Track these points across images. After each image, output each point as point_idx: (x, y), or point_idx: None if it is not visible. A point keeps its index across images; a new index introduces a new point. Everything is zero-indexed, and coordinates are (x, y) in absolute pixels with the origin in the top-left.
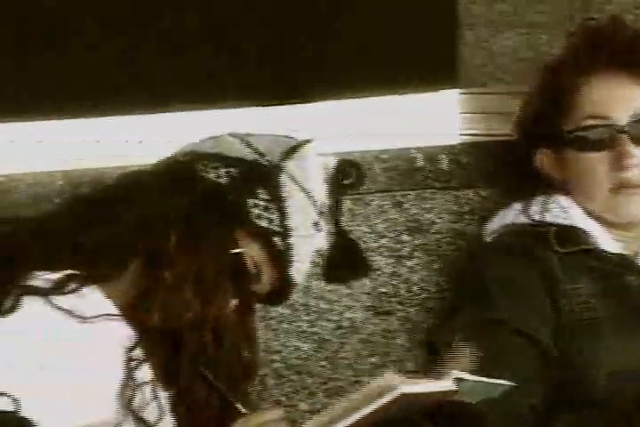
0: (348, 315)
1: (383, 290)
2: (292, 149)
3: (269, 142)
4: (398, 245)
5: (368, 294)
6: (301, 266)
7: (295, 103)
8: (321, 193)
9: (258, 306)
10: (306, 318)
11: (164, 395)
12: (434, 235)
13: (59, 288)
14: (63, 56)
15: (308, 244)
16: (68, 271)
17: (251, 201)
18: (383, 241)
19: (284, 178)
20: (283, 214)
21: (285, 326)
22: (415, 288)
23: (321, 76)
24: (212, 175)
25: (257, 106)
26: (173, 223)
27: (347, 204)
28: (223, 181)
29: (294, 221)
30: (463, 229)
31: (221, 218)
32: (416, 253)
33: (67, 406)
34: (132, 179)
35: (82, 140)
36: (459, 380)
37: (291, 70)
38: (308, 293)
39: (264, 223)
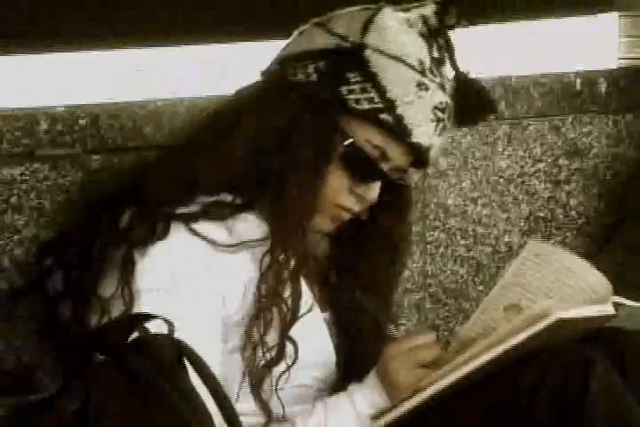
0: (504, 239)
1: (540, 214)
2: (368, 21)
3: (347, 21)
4: (556, 170)
5: (525, 218)
6: (423, 128)
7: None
8: (415, 51)
9: (414, 230)
10: (463, 243)
11: (322, 317)
12: (592, 159)
13: (209, 213)
14: None
15: (421, 105)
16: (223, 196)
17: (344, 88)
18: (540, 166)
19: (368, 53)
20: (380, 89)
21: (442, 250)
22: (572, 213)
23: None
24: (301, 77)
25: None
26: (285, 132)
27: (504, 128)
28: (314, 78)
29: (395, 91)
30: (622, 154)
31: (323, 114)
32: (573, 178)
33: (210, 330)
34: (237, 98)
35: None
36: (617, 305)
37: None
38: (464, 217)
39: (366, 105)
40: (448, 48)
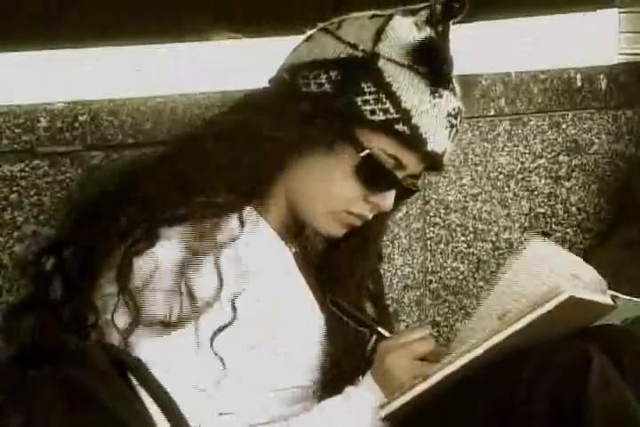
0: (505, 236)
1: (540, 211)
2: (380, 30)
3: (358, 29)
4: (556, 166)
5: (525, 214)
6: (438, 136)
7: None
8: (425, 54)
9: (415, 227)
10: (463, 239)
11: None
12: (592, 155)
13: (194, 214)
14: None
15: (435, 113)
16: (218, 198)
17: (359, 99)
18: (541, 161)
19: (382, 62)
20: (395, 99)
21: (442, 246)
22: (573, 209)
23: None
24: (314, 87)
25: None
26: (295, 143)
27: (504, 124)
28: (327, 88)
29: (410, 100)
30: (622, 150)
31: (338, 125)
32: (574, 174)
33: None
34: (246, 103)
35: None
36: (614, 298)
37: None
38: (465, 213)
39: (381, 116)
40: (444, 37)
